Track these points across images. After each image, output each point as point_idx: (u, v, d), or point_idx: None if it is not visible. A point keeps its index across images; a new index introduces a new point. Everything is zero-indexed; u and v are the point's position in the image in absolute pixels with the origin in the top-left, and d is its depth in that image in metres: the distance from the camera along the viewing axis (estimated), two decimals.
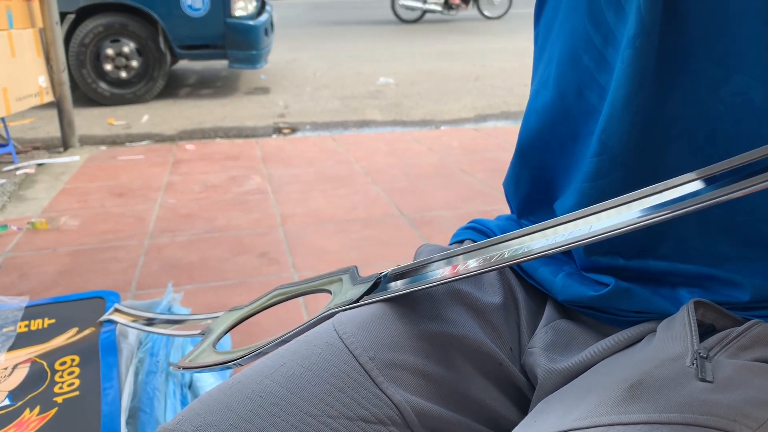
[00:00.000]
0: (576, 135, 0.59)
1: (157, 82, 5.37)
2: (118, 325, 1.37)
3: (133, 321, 0.68)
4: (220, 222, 2.62)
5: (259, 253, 2.28)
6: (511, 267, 0.64)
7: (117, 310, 0.70)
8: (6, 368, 1.26)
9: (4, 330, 1.36)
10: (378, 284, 0.56)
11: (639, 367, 0.47)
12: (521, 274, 0.65)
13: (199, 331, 0.65)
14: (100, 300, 1.45)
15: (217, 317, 0.64)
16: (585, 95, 0.57)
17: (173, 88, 5.99)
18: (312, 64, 7.56)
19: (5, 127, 3.51)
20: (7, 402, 1.16)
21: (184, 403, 1.25)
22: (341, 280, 0.59)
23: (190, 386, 1.31)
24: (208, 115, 4.98)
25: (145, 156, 3.76)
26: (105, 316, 0.71)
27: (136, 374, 1.27)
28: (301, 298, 1.92)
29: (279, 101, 5.58)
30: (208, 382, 1.34)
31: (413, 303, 0.57)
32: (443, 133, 4.42)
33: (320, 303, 0.61)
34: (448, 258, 0.53)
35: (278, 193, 3.00)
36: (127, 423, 1.12)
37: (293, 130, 4.70)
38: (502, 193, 2.92)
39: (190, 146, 3.96)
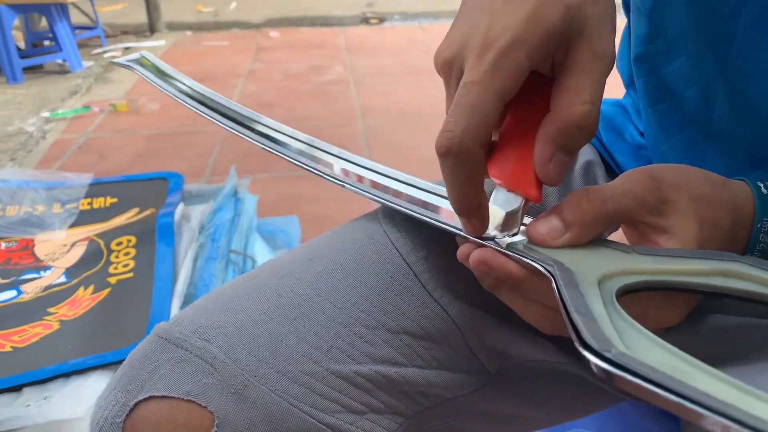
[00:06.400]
0: None
1: None
2: (180, 207, 1.31)
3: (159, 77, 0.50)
4: (299, 112, 2.52)
5: (335, 145, 2.17)
6: None
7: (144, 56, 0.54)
8: (65, 245, 1.23)
9: (68, 206, 1.34)
10: None
11: None
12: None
13: None
14: (164, 181, 1.40)
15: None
16: None
17: None
18: None
19: (93, 8, 3.49)
20: (63, 279, 1.13)
21: None
22: None
23: None
24: (296, 3, 4.80)
25: (230, 43, 3.67)
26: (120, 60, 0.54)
27: (195, 259, 1.21)
28: None
29: None
30: None
31: None
32: None
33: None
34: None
35: (360, 85, 2.85)
36: (180, 308, 1.07)
37: (381, 20, 4.46)
38: None
39: (273, 33, 3.83)
